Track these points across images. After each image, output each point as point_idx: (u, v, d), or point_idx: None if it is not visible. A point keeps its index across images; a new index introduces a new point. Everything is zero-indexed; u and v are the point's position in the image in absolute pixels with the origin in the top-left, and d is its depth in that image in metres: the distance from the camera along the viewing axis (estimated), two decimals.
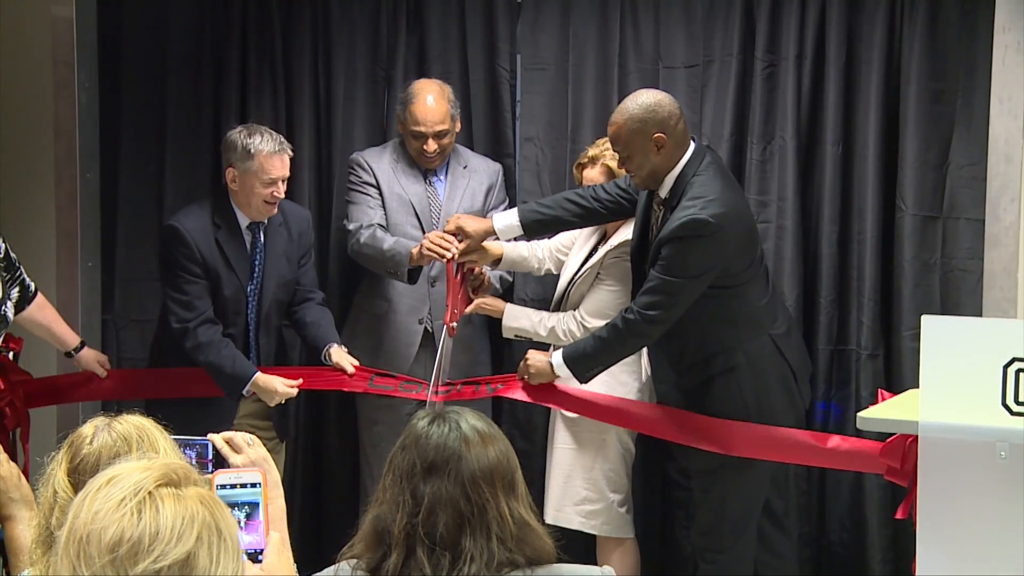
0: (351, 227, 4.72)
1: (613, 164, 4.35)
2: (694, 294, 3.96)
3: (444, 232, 4.42)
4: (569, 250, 4.64)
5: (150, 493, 1.72)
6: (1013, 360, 2.48)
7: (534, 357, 4.26)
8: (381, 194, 4.73)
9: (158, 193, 5.08)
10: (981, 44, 4.38)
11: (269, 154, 4.39)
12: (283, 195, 4.47)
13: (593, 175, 4.43)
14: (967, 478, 2.57)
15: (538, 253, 4.65)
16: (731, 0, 4.68)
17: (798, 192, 4.64)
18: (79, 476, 2.31)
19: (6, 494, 2.77)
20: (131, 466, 1.79)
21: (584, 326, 4.36)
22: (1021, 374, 2.46)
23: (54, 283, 4.94)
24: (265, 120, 5.03)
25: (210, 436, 2.75)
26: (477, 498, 2.28)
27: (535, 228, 4.38)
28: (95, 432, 2.35)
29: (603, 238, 4.53)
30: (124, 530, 1.68)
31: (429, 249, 4.41)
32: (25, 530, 2.73)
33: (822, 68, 4.62)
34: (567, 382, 4.23)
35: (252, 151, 4.37)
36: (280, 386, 4.43)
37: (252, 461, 2.68)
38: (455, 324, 4.48)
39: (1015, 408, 2.48)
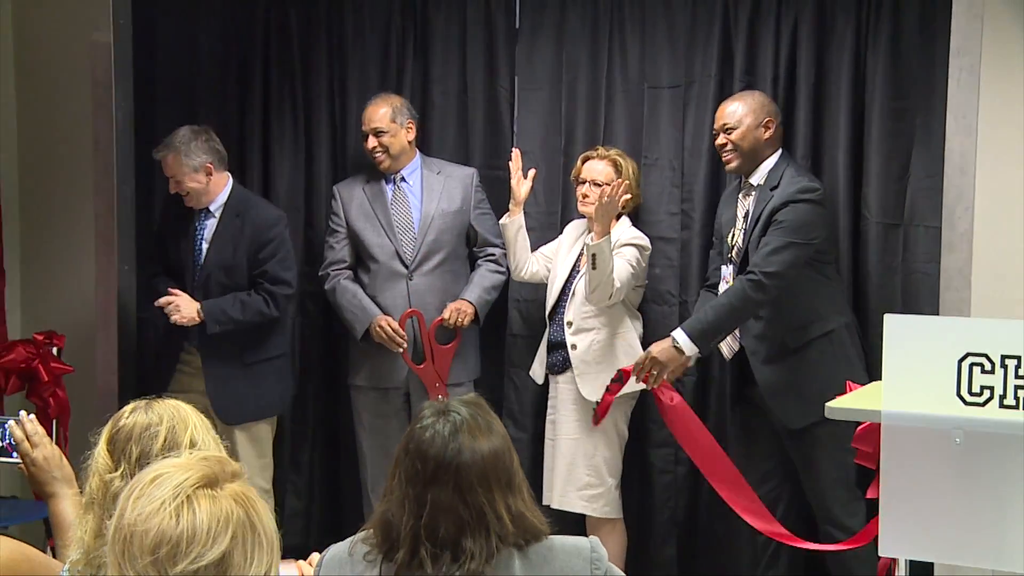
0: (321, 268, 4.87)
1: (621, 160, 4.49)
2: (804, 257, 4.08)
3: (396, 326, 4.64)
4: (555, 255, 4.68)
5: (188, 497, 1.72)
6: (967, 355, 2.48)
7: (659, 349, 4.12)
8: (347, 221, 4.80)
9: None
10: (939, 67, 4.36)
11: (159, 155, 4.60)
12: (182, 189, 4.58)
13: (599, 167, 4.50)
14: (926, 462, 2.57)
15: (532, 267, 4.71)
16: (710, 27, 4.67)
17: None
18: (115, 445, 2.37)
19: (49, 473, 2.78)
20: (173, 465, 1.79)
21: (618, 289, 4.36)
22: (974, 368, 2.46)
23: (93, 285, 4.95)
24: (286, 134, 5.10)
25: (11, 424, 2.78)
26: (475, 502, 2.25)
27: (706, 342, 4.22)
28: (133, 409, 2.40)
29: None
30: (163, 532, 1.69)
31: (380, 334, 4.65)
32: (68, 506, 2.74)
33: (794, 89, 4.60)
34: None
35: None
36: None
37: (45, 457, 2.73)
38: (444, 397, 4.56)
39: (968, 399, 2.48)
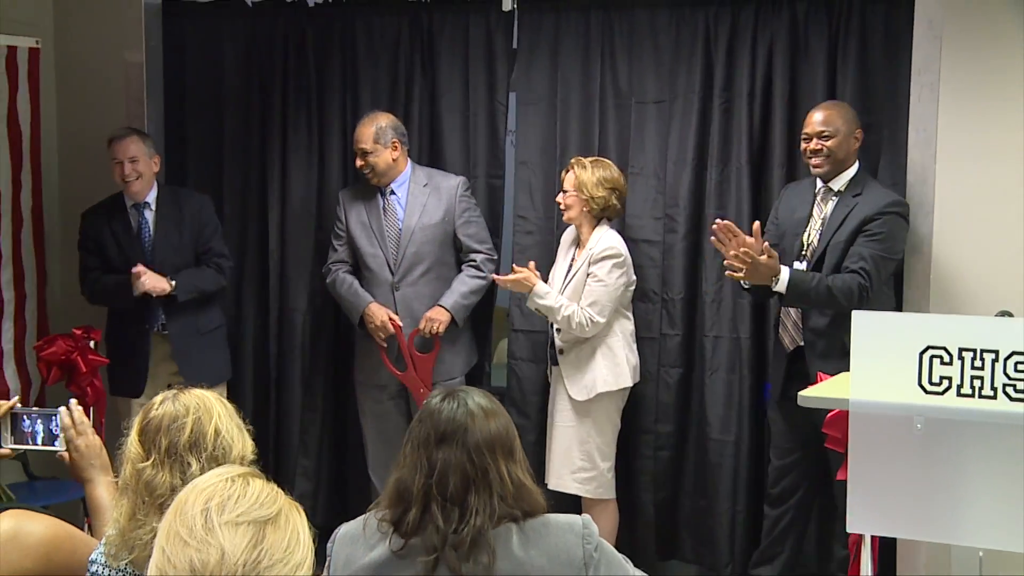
0: (324, 266, 4.93)
1: (577, 167, 4.49)
2: (892, 271, 4.12)
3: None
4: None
5: (242, 474, 1.74)
6: (927, 348, 2.49)
7: (767, 262, 3.97)
8: (348, 228, 4.84)
9: (217, 207, 5.07)
10: (902, 84, 4.39)
11: (114, 139, 4.62)
12: (132, 175, 4.61)
13: (568, 176, 4.53)
14: (890, 446, 2.58)
15: None
16: (693, 47, 4.68)
17: (751, 207, 4.63)
18: (146, 436, 2.37)
19: (88, 460, 2.79)
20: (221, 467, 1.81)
21: (592, 320, 4.39)
22: (934, 360, 2.47)
23: None
24: (301, 145, 5.10)
25: (62, 410, 2.80)
26: (480, 462, 2.31)
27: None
28: (163, 400, 2.40)
29: (578, 246, 4.56)
30: (216, 492, 1.69)
31: (370, 319, 4.71)
32: (103, 491, 2.75)
33: (770, 104, 4.62)
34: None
35: (110, 142, 4.62)
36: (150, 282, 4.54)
37: (88, 445, 2.76)
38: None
39: (929, 388, 2.49)
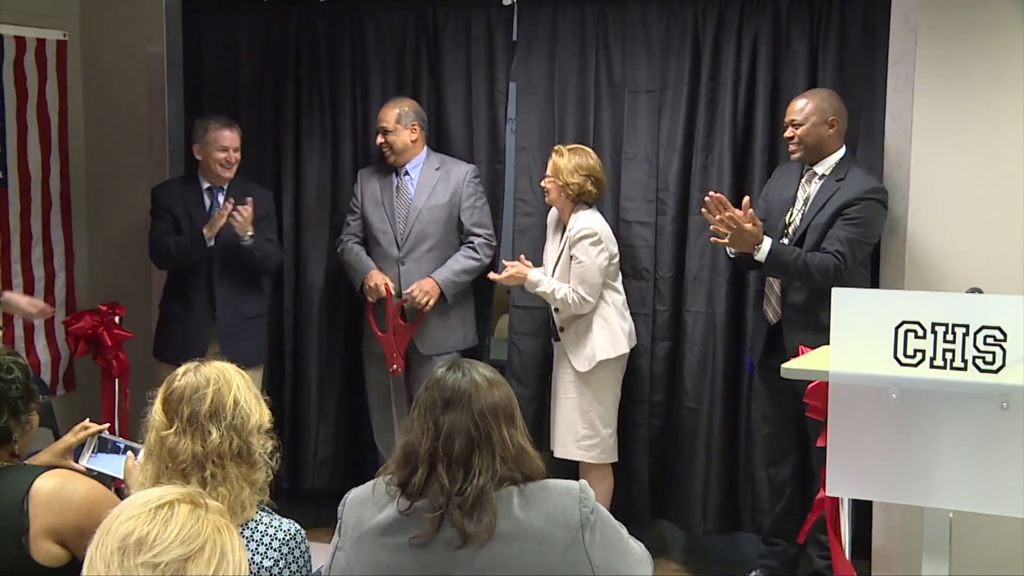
0: (337, 239, 4.96)
1: (555, 155, 4.51)
2: (867, 254, 4.08)
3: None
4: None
5: (170, 503, 1.64)
6: (902, 323, 2.49)
7: (751, 229, 3.97)
8: (362, 204, 4.87)
9: None
10: (879, 74, 4.38)
11: (219, 128, 4.62)
12: (235, 161, 4.65)
13: (551, 162, 4.53)
14: (867, 415, 2.58)
15: None
16: (682, 39, 4.67)
17: (733, 191, 4.61)
18: (169, 405, 2.38)
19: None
20: (166, 488, 1.71)
21: (584, 298, 4.41)
22: (908, 334, 2.47)
23: (148, 262, 4.94)
24: (314, 136, 5.08)
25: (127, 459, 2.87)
26: (484, 426, 2.32)
27: None
28: (185, 372, 2.40)
29: (564, 230, 4.56)
30: (136, 526, 1.60)
31: (367, 288, 4.75)
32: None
33: (754, 93, 4.60)
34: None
35: (207, 128, 4.61)
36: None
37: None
38: (398, 368, 4.73)
39: (903, 360, 2.49)
